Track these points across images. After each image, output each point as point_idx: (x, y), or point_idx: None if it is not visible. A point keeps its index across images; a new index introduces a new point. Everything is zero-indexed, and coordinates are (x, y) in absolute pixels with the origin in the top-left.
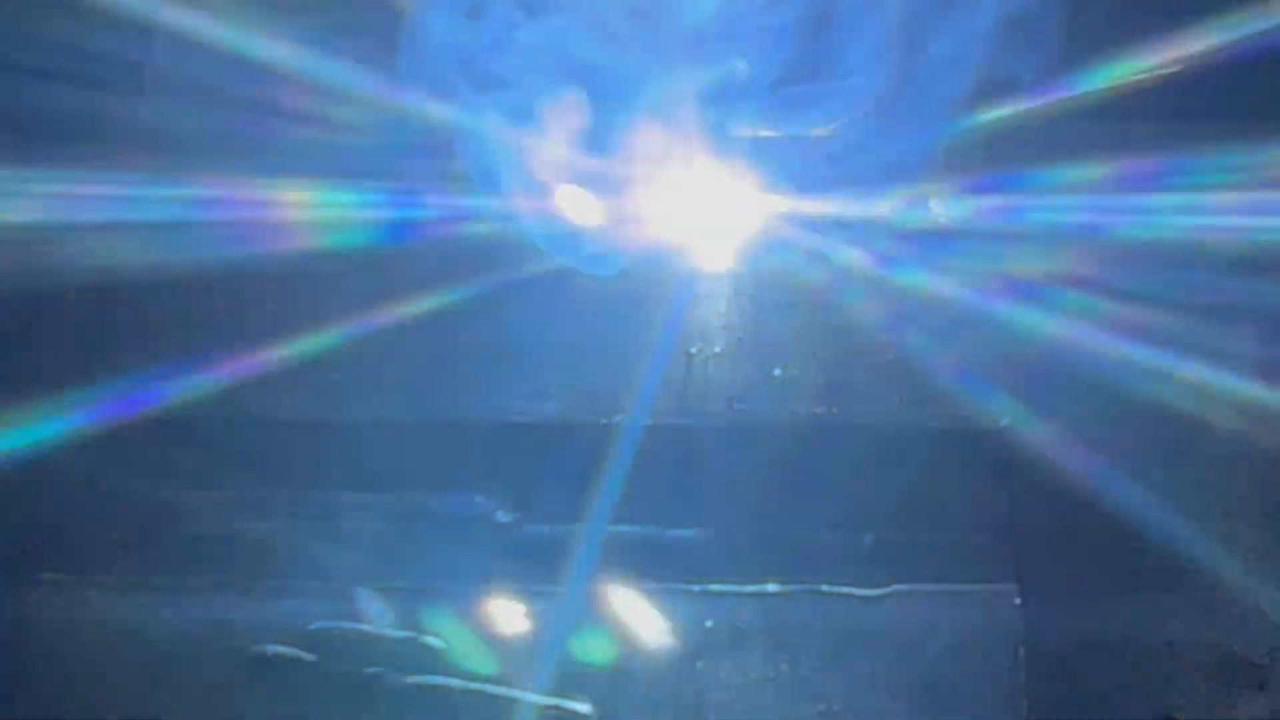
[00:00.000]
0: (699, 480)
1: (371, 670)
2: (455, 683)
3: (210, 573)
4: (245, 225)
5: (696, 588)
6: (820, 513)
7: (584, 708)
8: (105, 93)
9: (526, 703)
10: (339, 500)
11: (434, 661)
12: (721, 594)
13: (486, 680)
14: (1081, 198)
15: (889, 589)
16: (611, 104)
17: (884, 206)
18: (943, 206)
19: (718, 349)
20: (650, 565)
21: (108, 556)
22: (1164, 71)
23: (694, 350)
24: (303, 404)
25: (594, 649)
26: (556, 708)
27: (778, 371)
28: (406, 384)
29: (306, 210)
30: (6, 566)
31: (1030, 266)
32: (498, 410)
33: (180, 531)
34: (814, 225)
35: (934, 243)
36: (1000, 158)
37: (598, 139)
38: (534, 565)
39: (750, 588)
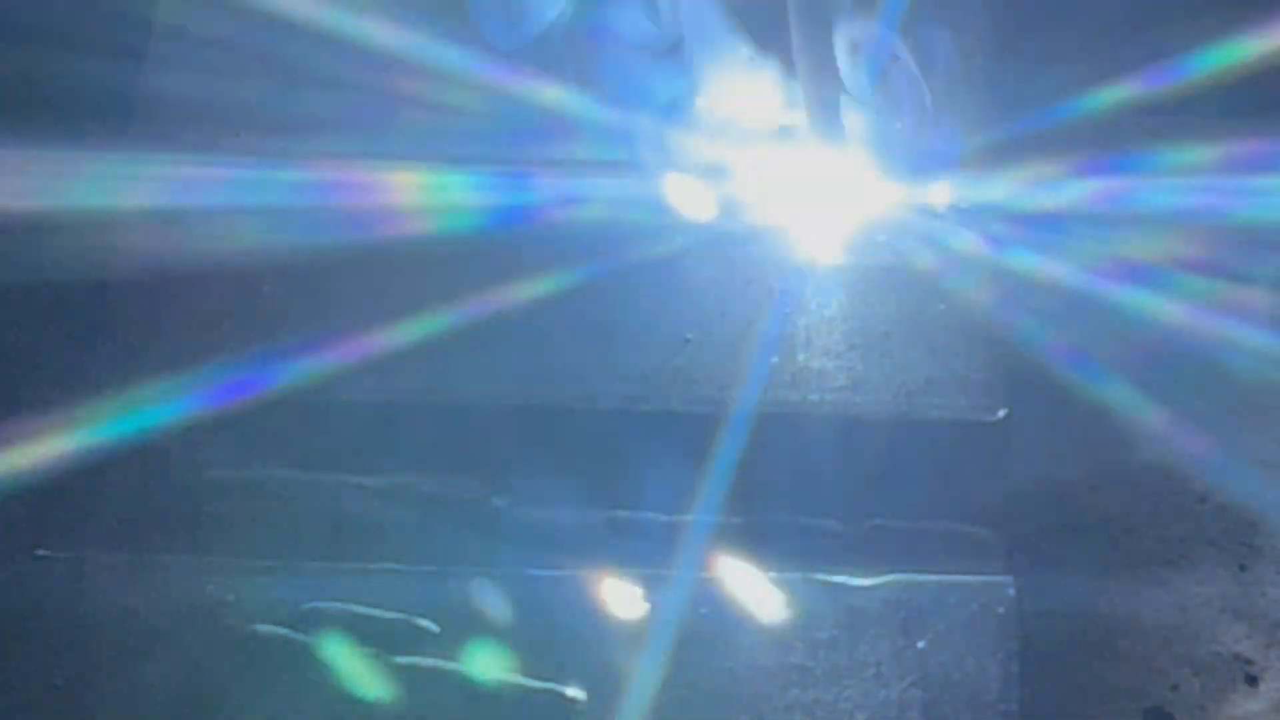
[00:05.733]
0: (713, 470)
1: (365, 651)
2: (449, 665)
3: (204, 553)
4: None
5: (697, 576)
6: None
7: (576, 692)
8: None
9: (518, 686)
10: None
11: (427, 644)
12: (714, 580)
13: (480, 663)
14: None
15: (884, 578)
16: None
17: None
18: (945, 196)
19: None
20: (650, 552)
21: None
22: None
23: (690, 337)
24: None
25: (588, 634)
26: (549, 692)
27: (775, 360)
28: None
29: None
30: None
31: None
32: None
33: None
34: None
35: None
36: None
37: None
38: (535, 550)
39: (747, 575)
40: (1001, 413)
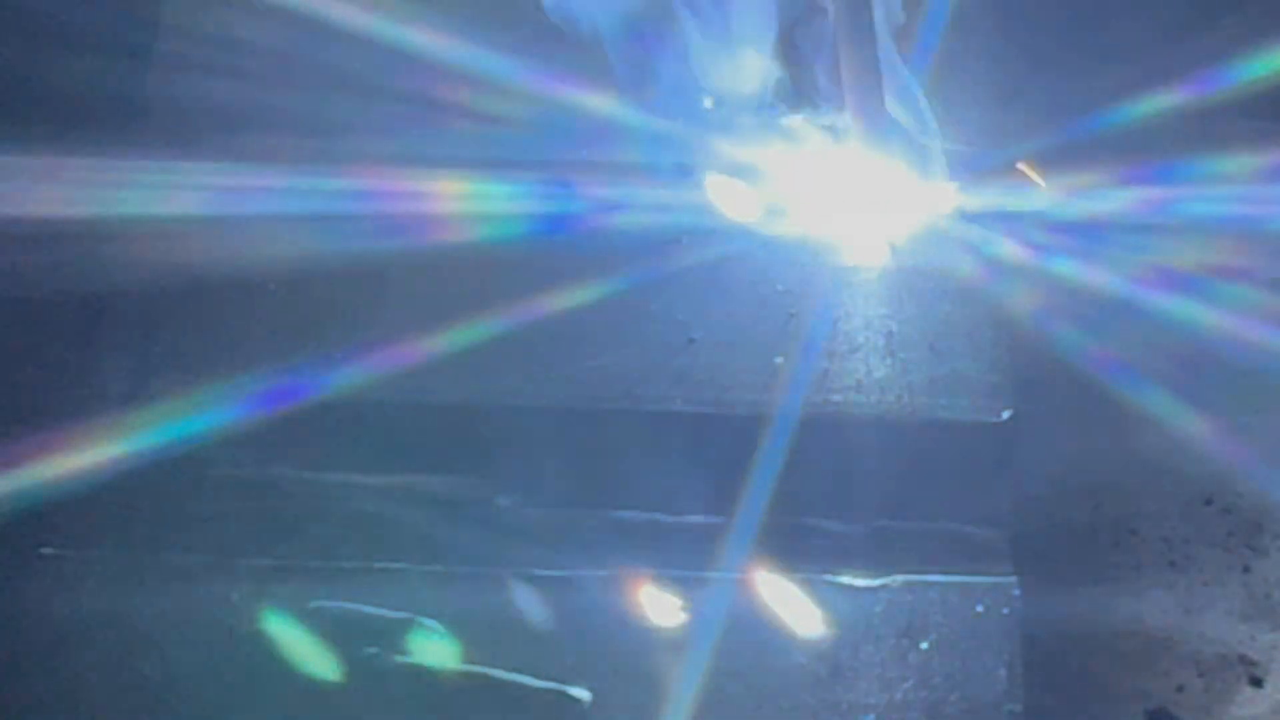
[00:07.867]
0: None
1: (369, 651)
2: (452, 665)
3: (208, 552)
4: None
5: (700, 576)
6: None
7: (581, 693)
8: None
9: (523, 686)
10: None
11: (432, 644)
12: (719, 581)
13: (484, 663)
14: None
15: (889, 579)
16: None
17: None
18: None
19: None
20: (654, 553)
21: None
22: None
23: (695, 337)
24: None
25: (590, 634)
26: (554, 692)
27: (779, 360)
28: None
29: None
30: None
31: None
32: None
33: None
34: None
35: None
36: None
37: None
38: (539, 550)
39: (752, 576)
40: (1007, 414)
